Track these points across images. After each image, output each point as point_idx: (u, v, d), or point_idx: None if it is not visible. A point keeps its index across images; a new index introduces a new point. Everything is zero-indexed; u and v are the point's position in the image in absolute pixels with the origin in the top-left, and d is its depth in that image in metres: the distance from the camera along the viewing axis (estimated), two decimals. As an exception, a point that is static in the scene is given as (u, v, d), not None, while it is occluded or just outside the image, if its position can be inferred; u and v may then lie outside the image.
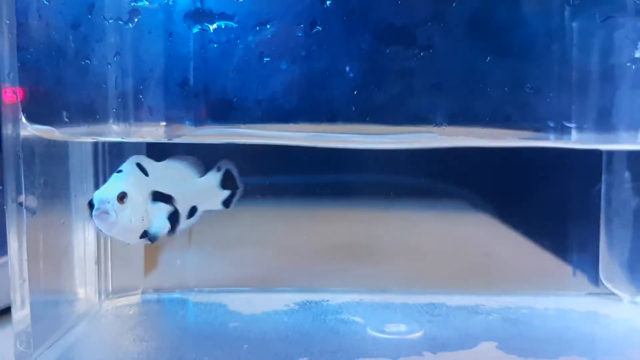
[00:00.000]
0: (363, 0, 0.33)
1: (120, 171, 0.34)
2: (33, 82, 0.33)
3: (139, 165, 0.35)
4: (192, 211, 0.38)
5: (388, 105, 0.34)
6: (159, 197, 0.35)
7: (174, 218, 0.35)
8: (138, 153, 0.41)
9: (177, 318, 0.41)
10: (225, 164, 0.40)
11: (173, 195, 0.35)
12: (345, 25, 0.33)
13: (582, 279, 0.45)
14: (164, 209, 0.35)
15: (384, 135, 0.35)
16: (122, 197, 0.32)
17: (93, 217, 0.32)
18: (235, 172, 0.40)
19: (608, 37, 0.35)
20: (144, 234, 0.34)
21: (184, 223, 0.37)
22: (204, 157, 0.40)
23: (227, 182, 0.40)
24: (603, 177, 0.44)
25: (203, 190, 0.39)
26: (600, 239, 0.44)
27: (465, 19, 0.34)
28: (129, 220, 0.32)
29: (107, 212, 0.32)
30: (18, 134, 0.33)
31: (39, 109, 0.33)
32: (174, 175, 0.38)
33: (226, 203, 0.40)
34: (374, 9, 0.33)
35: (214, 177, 0.40)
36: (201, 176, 0.39)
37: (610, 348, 0.37)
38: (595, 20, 0.34)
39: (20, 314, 0.33)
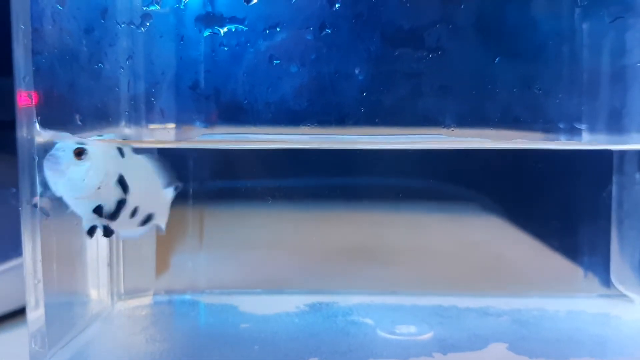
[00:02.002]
0: (371, 3, 0.33)
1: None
2: (47, 86, 0.33)
3: (119, 148, 0.34)
4: (148, 219, 0.37)
5: (397, 107, 0.35)
6: (122, 183, 0.33)
7: (120, 206, 0.33)
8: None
9: (189, 319, 0.41)
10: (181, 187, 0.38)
11: (134, 190, 0.34)
12: (354, 28, 0.34)
13: (593, 280, 0.45)
14: (117, 193, 0.33)
15: (393, 137, 0.35)
16: (80, 152, 0.31)
17: (43, 162, 0.31)
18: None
19: (618, 37, 0.35)
20: (98, 209, 0.32)
21: (135, 229, 0.36)
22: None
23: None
24: (614, 178, 0.44)
25: (161, 203, 0.38)
26: (612, 240, 0.44)
27: (473, 20, 0.34)
28: (80, 177, 0.31)
29: (57, 160, 0.30)
30: (32, 137, 0.33)
31: (53, 112, 0.34)
32: (146, 173, 0.36)
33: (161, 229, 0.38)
34: (382, 11, 0.33)
35: (169, 194, 0.38)
36: (165, 187, 0.37)
37: (621, 350, 0.37)
38: (605, 21, 0.35)
39: (35, 314, 0.34)
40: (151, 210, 0.36)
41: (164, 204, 0.38)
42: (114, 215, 0.33)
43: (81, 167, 0.31)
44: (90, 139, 0.32)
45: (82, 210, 0.33)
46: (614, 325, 0.40)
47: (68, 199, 0.32)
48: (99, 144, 0.33)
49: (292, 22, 0.34)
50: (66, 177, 0.31)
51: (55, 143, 0.31)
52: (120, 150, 0.34)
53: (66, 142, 0.31)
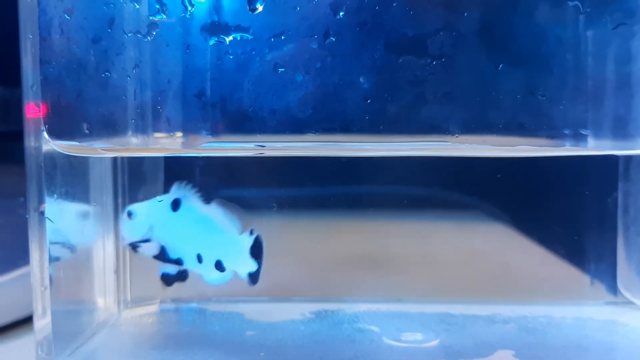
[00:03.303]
0: (375, 11, 0.34)
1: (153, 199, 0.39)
2: (55, 95, 0.34)
3: (175, 201, 0.38)
4: (218, 265, 0.38)
5: (401, 114, 0.35)
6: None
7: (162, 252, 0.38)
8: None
9: (195, 327, 0.41)
10: (256, 230, 0.38)
11: (195, 241, 0.39)
12: (358, 36, 0.34)
13: (600, 288, 0.44)
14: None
15: (398, 144, 0.35)
16: (129, 214, 0.38)
17: None
18: (262, 241, 0.38)
19: (622, 43, 0.35)
20: (157, 256, 0.38)
21: (216, 273, 0.38)
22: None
23: (255, 250, 0.38)
24: (619, 185, 0.44)
25: (233, 249, 0.39)
26: (618, 247, 0.44)
27: (476, 27, 0.34)
28: (128, 231, 0.38)
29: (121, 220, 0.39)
30: (40, 146, 0.33)
31: (60, 121, 0.34)
32: (208, 224, 0.38)
33: (253, 278, 0.38)
34: (386, 19, 0.34)
35: (246, 241, 0.38)
36: (240, 234, 0.38)
37: (629, 357, 0.37)
38: (608, 28, 0.35)
39: (42, 321, 0.34)
40: (218, 257, 0.38)
41: (237, 251, 0.39)
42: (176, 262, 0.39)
43: (128, 225, 0.38)
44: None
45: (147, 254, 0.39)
46: (622, 332, 0.40)
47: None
48: (148, 204, 0.39)
49: (297, 31, 0.34)
50: (122, 231, 0.39)
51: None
52: (174, 206, 0.38)
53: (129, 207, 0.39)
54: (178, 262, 0.38)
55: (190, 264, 0.38)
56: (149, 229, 0.38)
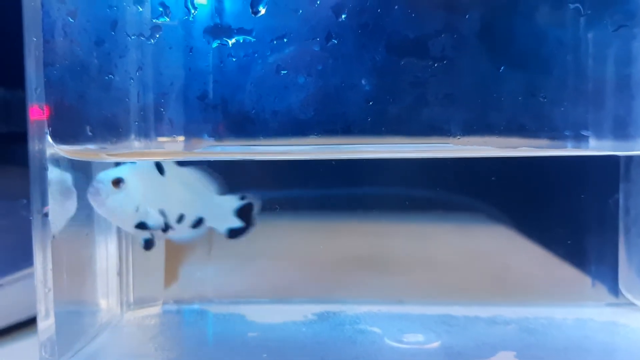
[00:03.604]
0: (377, 14, 0.34)
1: (134, 162, 0.37)
2: (58, 97, 0.34)
3: (157, 164, 0.37)
4: (198, 222, 0.39)
5: (403, 116, 0.35)
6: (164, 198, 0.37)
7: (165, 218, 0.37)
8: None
9: (197, 328, 0.41)
10: (251, 198, 0.40)
11: (181, 201, 0.38)
12: (359, 38, 0.34)
13: (601, 289, 0.45)
14: (158, 208, 0.37)
15: (399, 146, 0.35)
16: (117, 182, 0.35)
17: (87, 194, 0.35)
18: (256, 209, 0.40)
19: (623, 45, 0.35)
20: (142, 226, 0.37)
21: (187, 231, 0.39)
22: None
23: (244, 213, 0.40)
24: (620, 186, 0.44)
25: (215, 208, 0.40)
26: (619, 248, 0.44)
27: (478, 29, 0.34)
28: (119, 205, 0.35)
29: (97, 192, 0.35)
30: (44, 149, 0.34)
31: (64, 123, 0.34)
32: (190, 183, 0.39)
33: (232, 234, 0.40)
34: (388, 21, 0.34)
35: (232, 202, 0.40)
36: (220, 194, 0.40)
37: (629, 358, 0.37)
38: (609, 30, 0.35)
39: (45, 323, 0.34)
40: (200, 214, 0.39)
41: (220, 210, 0.40)
42: (167, 228, 0.38)
43: (118, 195, 0.35)
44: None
45: (127, 228, 0.37)
46: (623, 333, 0.40)
47: (112, 221, 0.38)
48: (137, 169, 0.37)
49: (299, 33, 0.34)
50: (106, 206, 0.35)
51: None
52: (159, 169, 0.37)
53: (105, 173, 0.36)
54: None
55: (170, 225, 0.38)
56: (142, 198, 0.36)
